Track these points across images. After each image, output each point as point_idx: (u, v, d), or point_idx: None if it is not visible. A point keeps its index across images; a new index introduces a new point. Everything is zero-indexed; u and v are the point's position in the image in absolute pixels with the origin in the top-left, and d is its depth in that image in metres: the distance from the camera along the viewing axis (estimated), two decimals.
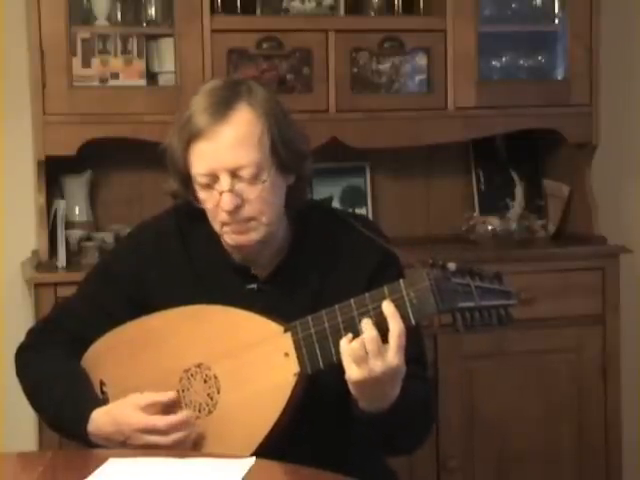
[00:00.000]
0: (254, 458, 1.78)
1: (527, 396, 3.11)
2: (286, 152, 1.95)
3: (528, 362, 3.10)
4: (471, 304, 1.76)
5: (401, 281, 1.78)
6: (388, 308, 1.78)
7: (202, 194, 1.95)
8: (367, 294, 1.81)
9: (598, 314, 3.17)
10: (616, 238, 3.27)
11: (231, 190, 1.91)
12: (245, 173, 1.91)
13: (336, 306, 1.82)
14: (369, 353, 1.76)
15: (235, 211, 1.92)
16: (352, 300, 1.81)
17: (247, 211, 1.93)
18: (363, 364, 1.77)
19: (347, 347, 1.78)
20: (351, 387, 1.81)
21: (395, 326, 1.76)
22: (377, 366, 1.76)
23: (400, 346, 1.77)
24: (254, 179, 1.91)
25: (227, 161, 1.90)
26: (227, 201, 1.91)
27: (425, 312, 1.77)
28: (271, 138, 1.93)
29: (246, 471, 1.72)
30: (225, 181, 1.91)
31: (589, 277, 3.16)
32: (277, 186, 1.96)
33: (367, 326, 1.77)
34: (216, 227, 1.98)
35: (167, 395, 1.91)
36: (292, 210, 2.03)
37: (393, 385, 1.81)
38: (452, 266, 1.75)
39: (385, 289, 1.79)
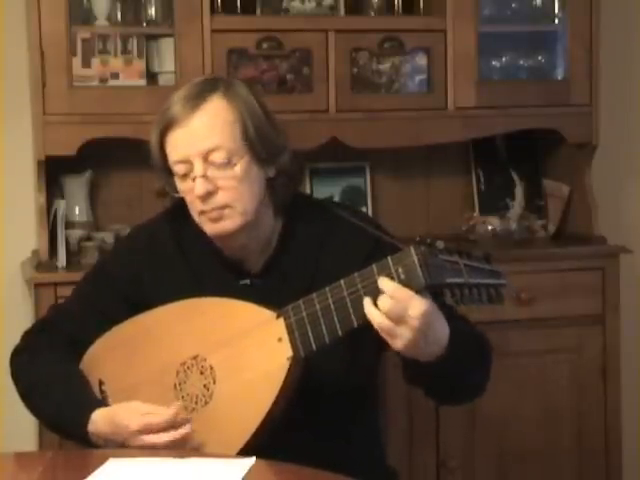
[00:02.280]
0: (254, 458, 1.78)
1: (527, 396, 3.11)
2: (260, 144, 1.98)
3: (528, 362, 3.10)
4: (460, 280, 1.76)
5: (389, 258, 1.79)
6: (382, 282, 1.77)
7: (180, 184, 1.99)
8: (356, 273, 1.81)
9: (598, 314, 3.17)
10: (616, 238, 3.27)
11: (204, 175, 1.94)
12: (216, 157, 1.95)
13: (326, 288, 1.84)
14: (396, 318, 1.75)
15: (208, 197, 1.95)
16: (342, 281, 1.82)
17: (220, 197, 1.96)
18: (397, 330, 1.76)
19: (379, 322, 1.77)
20: (406, 353, 1.81)
21: (390, 285, 1.75)
22: (412, 324, 1.75)
23: (410, 294, 1.75)
24: (226, 164, 1.95)
25: (198, 145, 1.95)
26: (199, 186, 1.95)
27: (414, 287, 1.76)
28: (243, 127, 1.97)
29: (246, 471, 1.72)
30: (198, 166, 1.95)
31: (589, 277, 3.16)
32: (252, 176, 1.99)
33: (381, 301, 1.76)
34: (195, 217, 2.01)
35: (168, 413, 1.89)
36: (278, 204, 2.04)
37: (438, 324, 1.80)
38: (440, 244, 1.76)
39: (374, 267, 1.80)
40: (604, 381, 3.16)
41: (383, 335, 1.78)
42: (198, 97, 1.97)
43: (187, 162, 1.96)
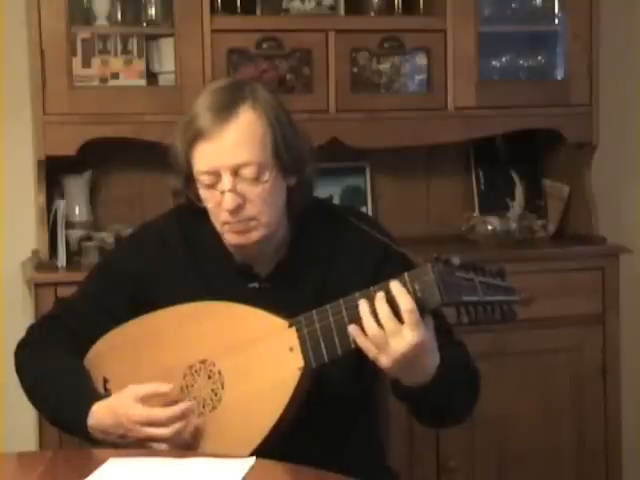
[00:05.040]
0: (254, 458, 1.78)
1: (527, 396, 3.11)
2: (288, 155, 1.97)
3: (528, 362, 3.10)
4: (475, 298, 1.76)
5: (405, 274, 1.78)
6: (395, 287, 1.76)
7: (204, 193, 1.97)
8: (372, 287, 1.81)
9: (598, 314, 3.17)
10: (616, 238, 3.27)
11: (233, 189, 1.93)
12: (247, 172, 1.93)
13: (341, 300, 1.83)
14: (387, 332, 1.76)
15: (236, 210, 1.94)
16: (357, 294, 1.82)
17: (248, 211, 1.95)
18: (384, 348, 1.77)
19: (363, 339, 1.78)
20: (388, 372, 1.82)
21: (405, 303, 1.75)
22: (399, 345, 1.76)
23: (415, 322, 1.75)
24: (255, 179, 1.94)
25: (229, 159, 1.92)
26: (229, 200, 1.93)
27: (430, 305, 1.76)
28: (273, 140, 1.95)
29: (246, 471, 1.72)
30: (227, 180, 1.93)
31: (589, 277, 3.16)
32: (278, 188, 1.98)
33: (379, 305, 1.77)
34: (217, 226, 2.00)
35: (165, 386, 1.91)
36: (293, 210, 2.04)
37: (428, 356, 1.81)
38: (456, 261, 1.75)
39: (390, 282, 1.79)
40: (604, 381, 3.17)
41: (370, 349, 1.78)
42: (227, 109, 1.93)
43: (215, 174, 1.94)
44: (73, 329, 2.10)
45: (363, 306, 1.79)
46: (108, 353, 2.05)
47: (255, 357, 1.89)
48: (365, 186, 3.38)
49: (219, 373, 1.92)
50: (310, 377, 1.87)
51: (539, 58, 3.35)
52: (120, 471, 1.74)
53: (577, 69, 3.24)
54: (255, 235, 1.97)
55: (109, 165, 3.22)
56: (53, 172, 3.02)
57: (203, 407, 1.92)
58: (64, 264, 2.92)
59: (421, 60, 3.15)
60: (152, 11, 3.06)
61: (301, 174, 2.03)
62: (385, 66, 3.14)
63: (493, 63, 3.31)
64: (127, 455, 1.82)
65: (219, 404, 1.91)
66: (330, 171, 3.33)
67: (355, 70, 3.10)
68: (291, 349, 1.86)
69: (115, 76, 3.00)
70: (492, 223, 3.31)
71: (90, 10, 3.02)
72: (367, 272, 1.96)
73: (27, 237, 3.17)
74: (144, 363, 1.99)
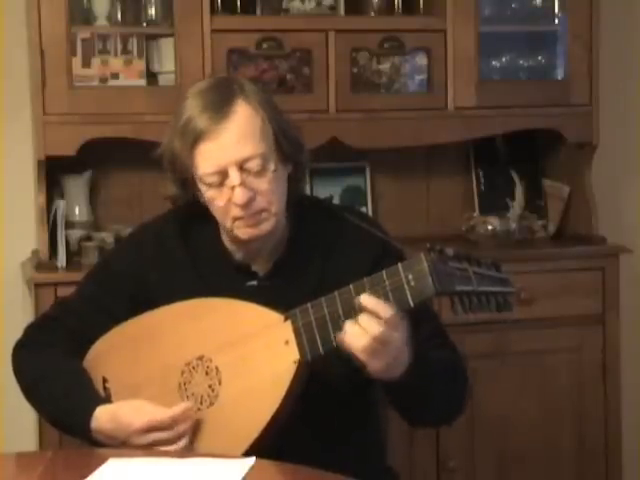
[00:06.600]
0: (254, 458, 1.78)
1: (527, 396, 3.11)
2: (287, 142, 1.99)
3: (528, 362, 3.10)
4: (469, 288, 1.77)
5: (399, 265, 1.79)
6: (367, 300, 1.78)
7: (211, 194, 1.97)
8: (365, 279, 1.82)
9: (598, 314, 3.17)
10: (616, 238, 3.27)
11: (242, 183, 1.93)
12: (253, 165, 1.94)
13: (335, 292, 1.84)
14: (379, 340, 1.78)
15: (248, 204, 1.94)
16: (351, 285, 1.83)
17: (259, 203, 1.96)
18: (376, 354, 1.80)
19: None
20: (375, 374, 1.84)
21: (384, 311, 1.78)
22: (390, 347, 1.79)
23: (396, 324, 1.78)
24: (262, 170, 1.95)
25: (234, 155, 1.93)
26: (240, 195, 1.93)
27: (424, 294, 1.77)
28: (272, 129, 1.97)
29: (246, 471, 1.72)
30: (235, 175, 1.93)
31: (589, 277, 3.16)
32: (281, 176, 2.00)
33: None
34: (226, 223, 1.99)
35: (172, 410, 1.91)
36: (291, 200, 2.05)
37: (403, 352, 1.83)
38: (450, 251, 1.76)
39: (383, 273, 1.80)
40: (604, 381, 3.17)
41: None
42: (222, 106, 1.94)
43: (222, 172, 1.94)
44: (71, 330, 2.10)
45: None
46: (107, 353, 2.06)
47: (252, 352, 1.90)
48: (365, 186, 3.38)
49: (216, 369, 1.92)
50: (306, 370, 1.87)
51: (539, 58, 3.35)
52: (120, 471, 1.74)
53: (577, 69, 3.24)
54: (266, 226, 1.98)
55: (109, 165, 3.22)
56: (53, 172, 3.02)
57: (201, 403, 1.93)
58: (64, 264, 2.92)
59: (421, 60, 3.15)
60: (152, 11, 3.06)
61: (298, 161, 2.04)
62: (385, 66, 3.14)
63: (493, 63, 3.31)
64: (127, 455, 1.82)
65: (216, 400, 1.92)
66: (330, 171, 3.33)
67: (355, 70, 3.10)
68: (287, 342, 1.87)
69: (115, 76, 3.01)
70: (492, 223, 3.31)
71: (90, 10, 3.02)
72: (365, 268, 1.96)
73: (27, 237, 3.17)
74: (142, 361, 2.00)
